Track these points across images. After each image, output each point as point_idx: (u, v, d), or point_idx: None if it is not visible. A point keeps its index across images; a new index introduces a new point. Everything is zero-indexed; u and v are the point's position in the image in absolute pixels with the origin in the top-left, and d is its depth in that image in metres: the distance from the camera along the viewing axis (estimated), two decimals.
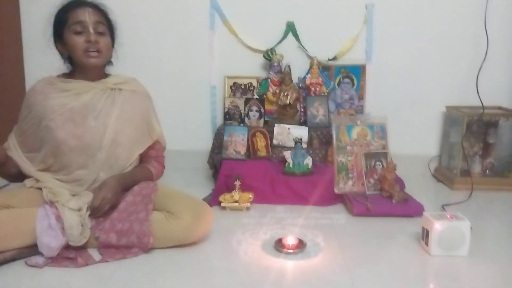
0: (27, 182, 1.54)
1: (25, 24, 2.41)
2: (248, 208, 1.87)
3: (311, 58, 2.30)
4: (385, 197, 1.90)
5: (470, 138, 2.24)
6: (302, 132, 2.13)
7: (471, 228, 1.45)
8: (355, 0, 2.32)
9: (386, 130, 2.07)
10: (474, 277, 1.35)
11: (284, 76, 2.22)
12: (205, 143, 2.36)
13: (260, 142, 2.11)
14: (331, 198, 1.95)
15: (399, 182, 1.99)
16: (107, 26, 1.55)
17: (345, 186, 1.98)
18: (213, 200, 1.91)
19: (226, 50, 2.39)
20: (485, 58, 2.24)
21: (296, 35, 2.34)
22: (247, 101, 2.30)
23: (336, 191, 1.96)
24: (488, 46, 2.23)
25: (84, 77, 1.56)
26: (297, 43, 2.35)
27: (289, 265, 1.40)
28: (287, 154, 2.02)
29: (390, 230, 1.68)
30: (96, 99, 1.55)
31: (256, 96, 2.34)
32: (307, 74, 2.31)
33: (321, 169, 2.04)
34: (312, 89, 2.28)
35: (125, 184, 1.55)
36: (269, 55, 2.31)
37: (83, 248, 1.43)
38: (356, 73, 2.35)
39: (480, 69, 2.24)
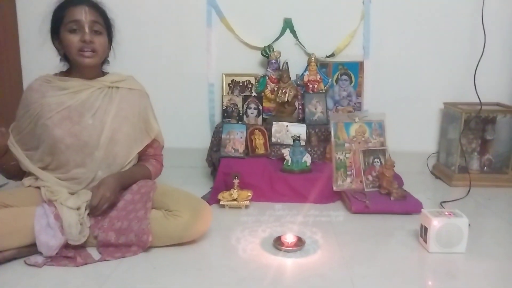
0: (25, 181, 1.53)
1: (22, 22, 2.39)
2: (247, 206, 1.87)
3: (308, 55, 2.30)
4: (383, 194, 1.90)
5: (468, 134, 2.25)
6: (300, 130, 2.13)
7: (469, 225, 1.46)
8: None
9: (384, 127, 2.07)
10: (472, 273, 1.35)
11: (282, 73, 2.22)
12: (204, 141, 2.36)
13: (259, 140, 2.11)
14: (330, 195, 1.95)
15: (398, 179, 2.00)
16: (104, 25, 1.54)
17: (343, 183, 1.98)
18: (211, 198, 1.92)
19: (224, 47, 2.38)
20: (482, 54, 2.24)
21: (293, 32, 2.34)
22: (245, 98, 2.29)
23: (334, 188, 1.96)
24: (486, 42, 2.24)
25: (81, 76, 1.56)
26: (294, 40, 2.35)
27: (288, 262, 1.40)
28: (286, 152, 2.02)
29: (388, 227, 1.68)
30: (94, 98, 1.54)
31: (254, 94, 2.34)
32: (305, 71, 2.31)
33: (320, 166, 2.04)
34: (310, 86, 2.28)
35: (124, 182, 1.55)
36: (266, 52, 2.30)
37: (82, 247, 1.43)
38: (354, 70, 2.35)
39: (478, 66, 2.25)
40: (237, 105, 2.31)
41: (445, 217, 1.45)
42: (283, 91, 2.17)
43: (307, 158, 2.01)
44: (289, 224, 1.70)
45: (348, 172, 1.99)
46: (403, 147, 2.32)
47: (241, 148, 2.09)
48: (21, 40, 2.42)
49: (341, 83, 2.36)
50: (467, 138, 2.25)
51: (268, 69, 2.31)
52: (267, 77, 2.31)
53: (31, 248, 1.38)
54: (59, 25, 1.50)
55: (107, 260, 1.39)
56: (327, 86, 2.32)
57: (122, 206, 1.50)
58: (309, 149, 2.10)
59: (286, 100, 2.17)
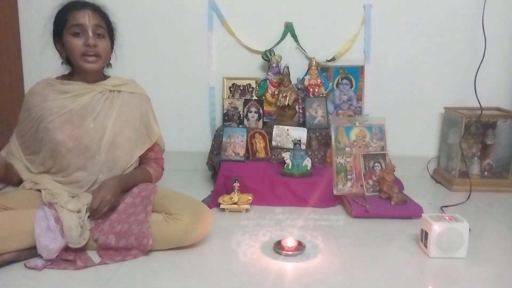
0: (26, 183, 1.53)
1: (24, 25, 2.40)
2: (247, 210, 1.87)
3: (309, 59, 2.31)
4: (384, 199, 1.90)
5: (468, 139, 2.25)
6: (301, 133, 2.13)
7: (469, 229, 1.46)
8: (353, 0, 2.32)
9: (385, 131, 2.07)
10: (472, 278, 1.35)
11: (282, 77, 2.23)
12: (204, 144, 2.36)
13: (259, 144, 2.11)
14: (330, 199, 1.95)
15: (398, 183, 2.00)
16: (107, 29, 1.54)
17: (344, 187, 1.98)
18: (212, 201, 1.91)
19: (225, 51, 2.39)
20: (483, 59, 2.25)
21: (294, 36, 2.35)
22: (246, 102, 2.30)
23: (335, 192, 1.96)
24: (486, 47, 2.24)
25: (82, 79, 1.56)
26: (295, 44, 2.35)
27: (288, 267, 1.40)
28: (286, 156, 2.03)
29: (389, 231, 1.68)
30: (95, 101, 1.55)
31: (255, 97, 2.34)
32: (305, 75, 2.31)
33: (320, 170, 2.04)
34: (311, 90, 2.29)
35: (124, 185, 1.55)
36: (267, 56, 2.31)
37: (82, 250, 1.43)
38: (354, 74, 2.36)
39: (478, 70, 2.25)
40: (237, 109, 2.32)
41: (445, 222, 1.45)
42: (284, 95, 2.18)
43: (307, 162, 2.01)
44: (289, 228, 1.70)
45: (349, 176, 1.99)
46: (404, 152, 2.33)
47: (241, 151, 2.09)
48: (22, 44, 2.42)
49: (341, 87, 2.36)
50: (468, 142, 2.25)
51: (269, 73, 2.32)
52: (267, 81, 2.32)
53: (31, 251, 1.38)
54: (61, 29, 1.50)
55: (107, 263, 1.39)
56: (327, 90, 2.32)
57: (122, 209, 1.49)
58: (310, 153, 2.10)
59: (286, 104, 2.17)
